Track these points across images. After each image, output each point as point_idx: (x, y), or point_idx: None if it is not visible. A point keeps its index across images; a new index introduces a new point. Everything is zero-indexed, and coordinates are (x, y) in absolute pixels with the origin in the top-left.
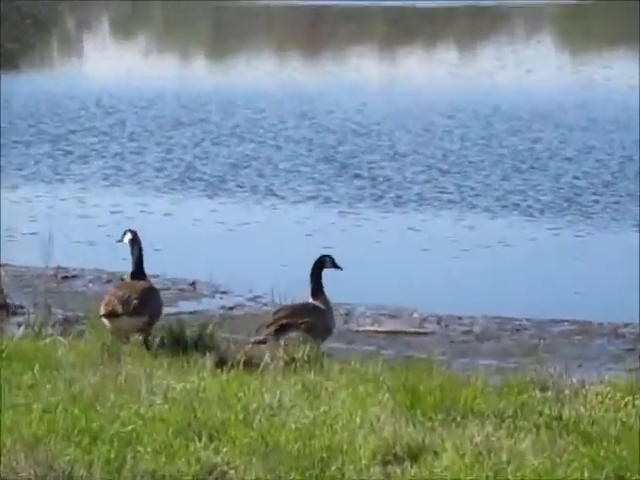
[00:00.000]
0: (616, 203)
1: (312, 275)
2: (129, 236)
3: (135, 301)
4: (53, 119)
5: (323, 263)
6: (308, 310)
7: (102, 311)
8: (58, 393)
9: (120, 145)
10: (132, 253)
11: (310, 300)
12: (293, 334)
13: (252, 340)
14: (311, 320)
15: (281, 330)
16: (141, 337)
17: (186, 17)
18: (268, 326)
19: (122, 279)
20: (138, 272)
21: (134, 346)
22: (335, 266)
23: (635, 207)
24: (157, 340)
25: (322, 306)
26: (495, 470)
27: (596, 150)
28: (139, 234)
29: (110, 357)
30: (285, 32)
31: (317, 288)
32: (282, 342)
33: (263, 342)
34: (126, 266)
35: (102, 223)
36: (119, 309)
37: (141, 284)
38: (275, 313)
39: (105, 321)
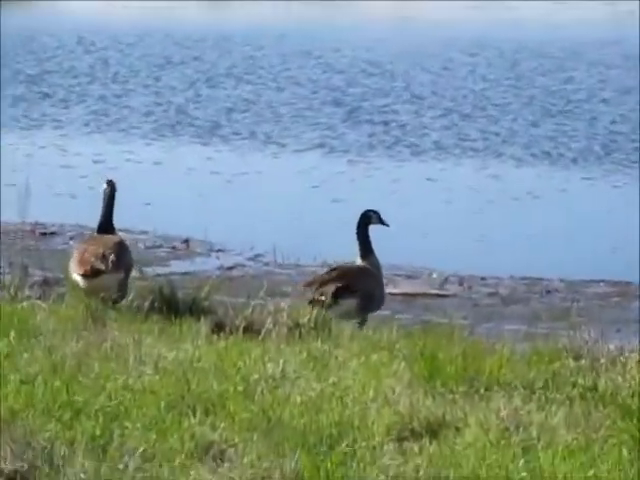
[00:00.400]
0: None
1: (358, 234)
2: (104, 186)
3: (112, 256)
4: (27, 58)
5: (369, 219)
6: (366, 275)
7: (78, 270)
8: (37, 363)
9: (103, 87)
10: (104, 203)
11: (359, 262)
12: (349, 301)
13: (314, 297)
14: (369, 287)
15: (336, 293)
16: (114, 296)
17: None
18: (321, 285)
19: None
20: (107, 224)
21: (121, 310)
22: (381, 222)
23: None
24: (146, 304)
25: (375, 271)
26: (523, 447)
27: (635, 90)
28: (121, 184)
29: (94, 322)
30: None
31: (367, 248)
32: (336, 307)
33: (316, 302)
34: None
35: (84, 174)
36: (100, 266)
37: (111, 238)
38: (328, 272)
39: (80, 280)
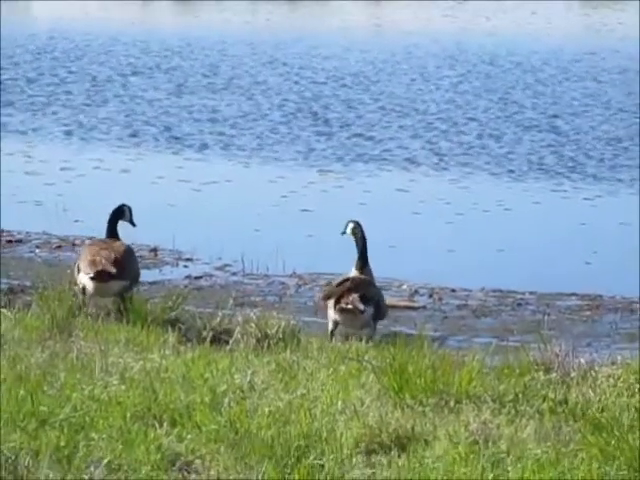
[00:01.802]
0: (630, 166)
1: (358, 244)
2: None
3: (122, 262)
4: None
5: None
6: (373, 286)
7: (88, 271)
8: (1, 372)
9: (71, 94)
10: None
11: (355, 273)
12: (369, 308)
13: (343, 306)
14: (378, 297)
15: (361, 300)
16: (118, 304)
17: None
18: (342, 296)
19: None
20: (113, 231)
21: (87, 319)
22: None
23: None
24: (113, 313)
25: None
26: (493, 461)
27: (608, 104)
28: (89, 192)
29: (60, 332)
30: None
31: (365, 259)
32: (361, 316)
33: (346, 311)
34: (77, 229)
35: (51, 181)
36: (112, 270)
37: (120, 244)
38: (341, 283)
39: (88, 282)
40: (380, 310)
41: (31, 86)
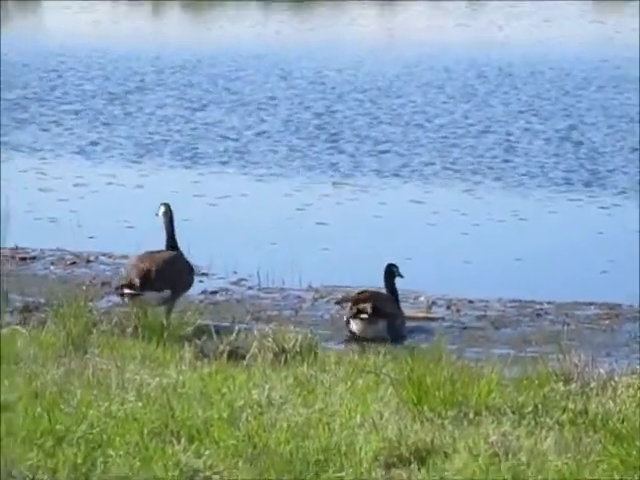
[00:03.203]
0: None
1: (387, 286)
2: (162, 209)
3: (154, 274)
4: (4, 83)
5: (393, 273)
6: (391, 301)
7: (118, 285)
8: (17, 390)
9: (83, 111)
10: (165, 227)
11: None
12: (382, 321)
13: (346, 317)
14: (395, 311)
15: (373, 311)
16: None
17: None
18: (355, 302)
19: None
20: (172, 242)
21: (103, 335)
22: (399, 274)
23: None
24: (129, 329)
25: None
26: (513, 473)
27: (624, 113)
28: (103, 208)
29: (76, 349)
30: None
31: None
32: (373, 326)
33: (355, 317)
34: (91, 245)
35: (64, 197)
36: (137, 283)
37: (163, 254)
38: (359, 294)
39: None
40: (394, 325)
41: (43, 103)
